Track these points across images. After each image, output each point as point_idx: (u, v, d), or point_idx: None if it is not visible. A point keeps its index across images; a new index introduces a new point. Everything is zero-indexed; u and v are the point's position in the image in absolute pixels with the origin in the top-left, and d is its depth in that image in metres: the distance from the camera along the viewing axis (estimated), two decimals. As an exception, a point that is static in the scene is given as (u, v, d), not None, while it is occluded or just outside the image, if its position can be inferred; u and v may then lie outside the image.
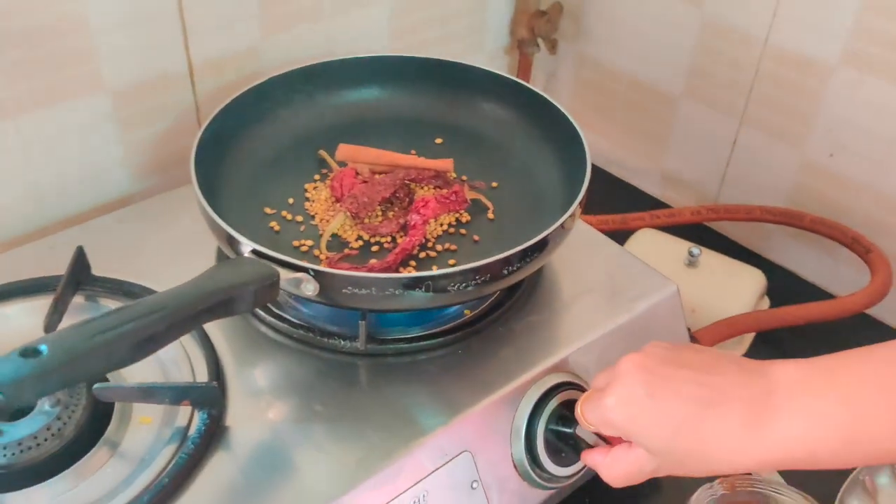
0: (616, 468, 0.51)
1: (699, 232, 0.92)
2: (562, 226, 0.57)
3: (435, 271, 0.53)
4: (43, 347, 0.39)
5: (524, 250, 0.55)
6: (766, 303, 0.84)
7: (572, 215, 0.58)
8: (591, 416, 0.51)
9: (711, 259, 0.84)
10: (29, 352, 0.39)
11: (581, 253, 0.67)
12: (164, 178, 0.76)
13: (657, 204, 0.99)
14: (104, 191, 0.73)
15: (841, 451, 0.44)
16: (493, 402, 0.55)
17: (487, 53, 0.98)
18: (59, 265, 0.60)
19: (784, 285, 0.86)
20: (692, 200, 0.97)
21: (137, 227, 0.68)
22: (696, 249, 0.83)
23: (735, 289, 0.82)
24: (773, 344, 0.81)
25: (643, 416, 0.47)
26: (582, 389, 0.58)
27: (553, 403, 0.56)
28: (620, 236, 0.80)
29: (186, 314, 0.45)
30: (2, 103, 0.63)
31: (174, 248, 0.66)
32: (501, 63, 1.01)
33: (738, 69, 0.86)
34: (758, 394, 0.45)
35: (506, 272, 0.55)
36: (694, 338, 0.68)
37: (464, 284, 0.54)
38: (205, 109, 0.75)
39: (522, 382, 0.57)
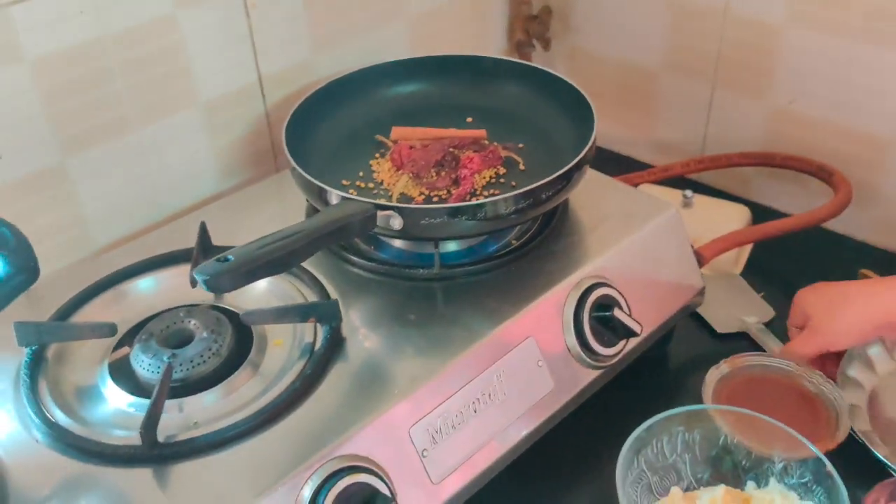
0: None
1: (688, 184, 1.08)
2: (582, 158, 0.73)
3: (492, 197, 0.68)
4: (230, 256, 0.55)
5: (556, 178, 0.71)
6: (752, 231, 0.99)
7: (591, 148, 0.74)
8: (809, 347, 0.77)
9: (703, 200, 1.00)
10: (222, 259, 0.55)
11: (597, 192, 0.83)
12: (244, 175, 0.92)
13: (648, 167, 1.15)
14: (198, 189, 0.89)
15: None
16: (545, 299, 0.70)
17: (489, 54, 1.15)
18: (180, 245, 0.76)
19: (765, 219, 1.02)
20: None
21: (234, 212, 0.84)
22: (689, 192, 0.99)
23: (725, 221, 0.97)
24: (762, 264, 0.97)
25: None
26: (613, 287, 0.73)
27: (592, 298, 0.71)
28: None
29: (316, 235, 0.60)
30: (126, 118, 0.79)
31: (267, 224, 0.81)
32: (504, 63, 1.18)
33: (705, 40, 1.03)
34: None
35: (544, 197, 0.71)
36: (698, 252, 0.84)
37: (514, 208, 0.69)
38: (273, 116, 0.91)
39: (566, 285, 0.72)
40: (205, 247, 0.75)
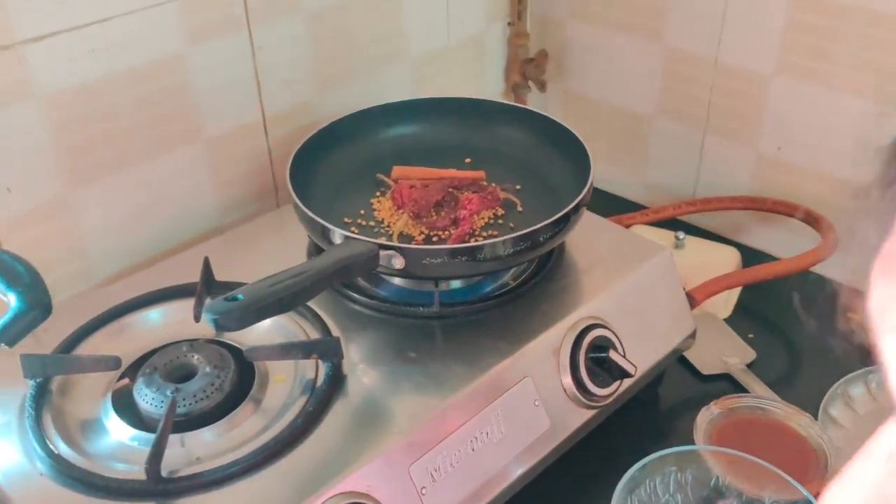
0: None
1: (680, 226, 1.10)
2: (579, 202, 0.75)
3: (492, 239, 0.70)
4: (240, 296, 0.56)
5: (554, 222, 0.73)
6: (742, 274, 1.02)
7: (588, 192, 0.76)
8: None
9: (694, 242, 1.03)
10: (231, 298, 0.56)
11: (592, 234, 0.85)
12: (245, 211, 0.93)
13: (641, 208, 1.18)
14: (200, 223, 0.90)
15: None
16: (542, 339, 0.72)
17: (486, 96, 1.18)
18: (181, 278, 0.77)
19: (755, 262, 1.04)
20: (672, 203, 1.15)
21: (234, 247, 0.85)
22: (681, 234, 1.01)
23: (716, 263, 1.00)
24: (750, 307, 0.99)
25: None
26: (608, 328, 0.75)
27: (588, 339, 0.73)
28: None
29: (323, 274, 0.62)
30: (132, 152, 0.81)
31: (268, 259, 0.82)
32: (500, 104, 1.21)
33: (697, 87, 1.06)
34: None
35: (542, 239, 0.72)
36: (690, 295, 0.86)
37: (513, 249, 0.71)
38: (276, 153, 0.93)
39: (563, 325, 0.73)
40: (208, 282, 0.76)
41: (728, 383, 0.89)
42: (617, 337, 0.75)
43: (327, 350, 0.68)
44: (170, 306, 0.76)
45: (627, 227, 1.05)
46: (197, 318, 0.72)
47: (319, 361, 0.69)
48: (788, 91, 0.98)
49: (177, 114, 0.83)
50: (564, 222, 0.74)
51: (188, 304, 0.74)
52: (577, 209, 0.75)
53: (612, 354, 0.72)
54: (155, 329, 0.74)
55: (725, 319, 0.98)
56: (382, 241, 0.69)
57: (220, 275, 0.78)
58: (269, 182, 0.94)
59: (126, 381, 0.69)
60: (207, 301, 0.56)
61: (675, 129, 1.11)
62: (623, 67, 1.13)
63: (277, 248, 0.85)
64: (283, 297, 0.58)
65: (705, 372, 0.90)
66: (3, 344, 0.54)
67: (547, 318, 0.74)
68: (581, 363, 0.72)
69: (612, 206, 1.18)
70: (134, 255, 0.85)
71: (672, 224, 1.07)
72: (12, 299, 0.54)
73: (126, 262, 0.85)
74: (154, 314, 0.75)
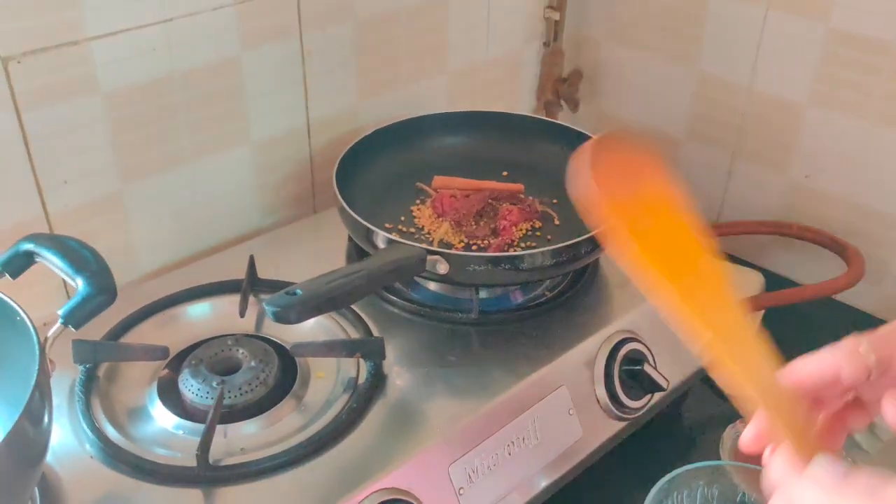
0: None
1: (707, 246, 1.12)
2: (618, 220, 0.77)
3: (534, 250, 0.72)
4: (298, 290, 0.58)
5: (594, 236, 0.74)
6: (767, 297, 1.03)
7: (624, 213, 0.78)
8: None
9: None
10: (291, 292, 0.58)
11: (625, 251, 0.86)
12: (283, 214, 0.95)
13: (668, 230, 1.20)
14: (241, 224, 0.92)
15: None
16: (577, 351, 0.74)
17: (522, 109, 1.20)
18: (223, 275, 0.79)
19: (778, 287, 1.06)
20: (698, 224, 1.17)
21: (274, 249, 0.87)
22: (708, 256, 1.02)
23: (740, 287, 1.01)
24: (771, 331, 1.00)
25: None
26: (642, 342, 0.76)
27: (622, 352, 0.75)
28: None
29: (375, 274, 0.64)
30: (183, 151, 0.83)
31: (306, 261, 0.85)
32: (532, 121, 1.23)
33: (729, 113, 1.08)
34: None
35: (583, 252, 0.74)
36: (717, 313, 0.87)
37: (554, 261, 0.73)
38: (317, 159, 0.95)
39: (598, 338, 0.75)
40: (253, 279, 0.78)
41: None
42: (650, 351, 0.77)
43: (371, 349, 0.70)
44: (214, 301, 0.77)
45: (655, 246, 1.07)
46: (242, 314, 0.74)
47: (361, 360, 0.70)
48: (821, 121, 1.00)
49: (227, 116, 0.85)
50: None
51: (232, 300, 0.76)
52: (615, 225, 0.77)
53: (646, 368, 0.74)
54: (200, 322, 0.76)
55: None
56: (427, 246, 0.71)
57: (262, 274, 0.80)
58: (309, 187, 0.96)
59: (169, 371, 0.71)
60: (266, 297, 0.58)
61: (705, 152, 1.13)
62: (656, 90, 1.15)
63: (316, 251, 0.87)
64: (338, 294, 0.60)
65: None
66: (70, 326, 0.55)
67: (582, 329, 0.76)
68: (615, 375, 0.74)
69: (639, 225, 1.19)
70: (177, 251, 0.87)
71: (699, 246, 1.09)
72: (80, 283, 0.55)
73: (169, 257, 0.87)
74: (199, 308, 0.77)
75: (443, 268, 0.71)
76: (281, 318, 0.57)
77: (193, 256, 0.88)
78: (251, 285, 0.78)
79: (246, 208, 0.92)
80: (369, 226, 0.74)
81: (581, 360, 0.74)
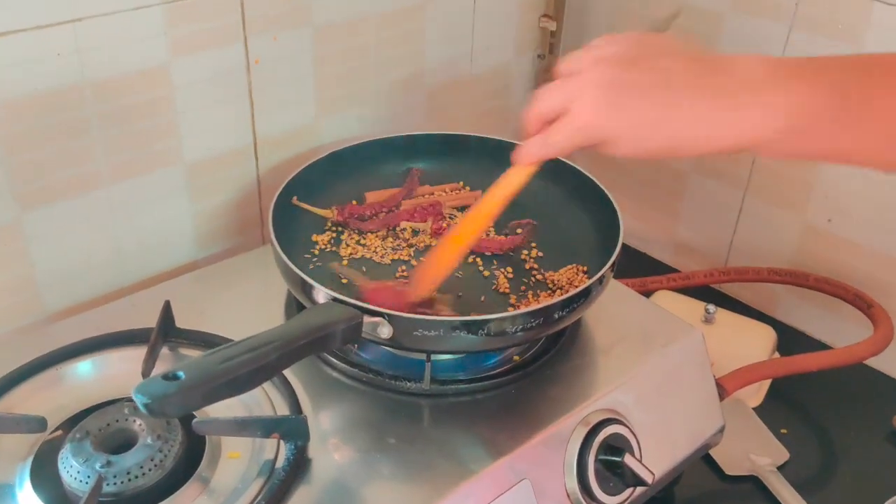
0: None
1: (711, 295, 1.00)
2: (601, 277, 0.64)
3: (496, 314, 0.60)
4: (180, 373, 0.46)
5: (571, 298, 0.62)
6: (777, 357, 0.90)
7: (612, 266, 0.66)
8: (557, 136, 0.52)
9: (726, 317, 0.92)
10: (170, 376, 0.45)
11: (614, 306, 0.74)
12: (226, 244, 0.83)
13: (668, 269, 1.07)
14: (175, 256, 0.80)
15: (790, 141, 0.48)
16: (546, 435, 0.61)
17: (511, 131, 1.08)
18: (141, 320, 0.67)
19: (792, 343, 0.93)
20: (702, 267, 1.04)
21: (208, 287, 0.75)
22: (711, 307, 0.90)
23: (749, 344, 0.89)
24: (784, 395, 0.88)
25: (613, 124, 0.50)
26: (625, 425, 0.64)
27: (600, 437, 0.62)
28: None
29: (292, 347, 0.51)
30: (99, 173, 0.71)
31: (243, 305, 0.73)
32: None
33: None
34: (724, 83, 0.49)
35: (556, 317, 0.62)
36: (720, 384, 0.75)
37: (520, 327, 0.60)
38: (265, 182, 0.83)
39: (571, 419, 0.62)
40: (166, 329, 0.66)
41: (754, 486, 0.77)
42: (634, 435, 0.64)
43: (291, 430, 0.57)
44: (118, 355, 0.65)
45: (651, 292, 0.95)
46: (145, 374, 0.62)
47: (281, 441, 0.58)
48: (846, 158, 0.87)
49: (154, 132, 0.73)
50: (584, 297, 0.63)
51: (140, 355, 0.64)
52: (601, 281, 0.65)
53: (628, 459, 0.61)
54: (97, 381, 0.64)
55: (755, 409, 0.86)
56: (369, 306, 0.59)
57: (186, 320, 0.68)
58: (255, 214, 0.84)
59: (56, 442, 0.59)
60: (140, 381, 0.45)
61: (713, 187, 1.00)
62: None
63: (258, 290, 0.75)
64: (238, 376, 0.47)
65: (729, 472, 0.78)
66: None
67: (555, 406, 0.63)
68: (590, 465, 0.61)
69: (635, 264, 1.07)
70: (93, 289, 0.75)
71: (702, 292, 0.96)
72: None
73: (82, 295, 0.75)
74: (98, 363, 0.65)
75: (385, 331, 0.59)
76: (154, 411, 0.45)
77: (115, 294, 0.76)
78: (165, 336, 0.66)
79: (178, 238, 0.80)
80: (305, 277, 0.62)
81: (550, 446, 0.61)
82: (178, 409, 0.45)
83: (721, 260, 1.03)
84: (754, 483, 0.78)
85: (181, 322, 0.68)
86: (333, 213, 0.75)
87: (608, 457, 0.62)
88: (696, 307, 0.91)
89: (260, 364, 0.49)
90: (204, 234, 0.81)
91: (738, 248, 1.01)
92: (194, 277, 0.76)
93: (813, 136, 0.49)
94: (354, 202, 0.78)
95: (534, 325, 0.61)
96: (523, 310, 0.60)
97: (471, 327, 0.59)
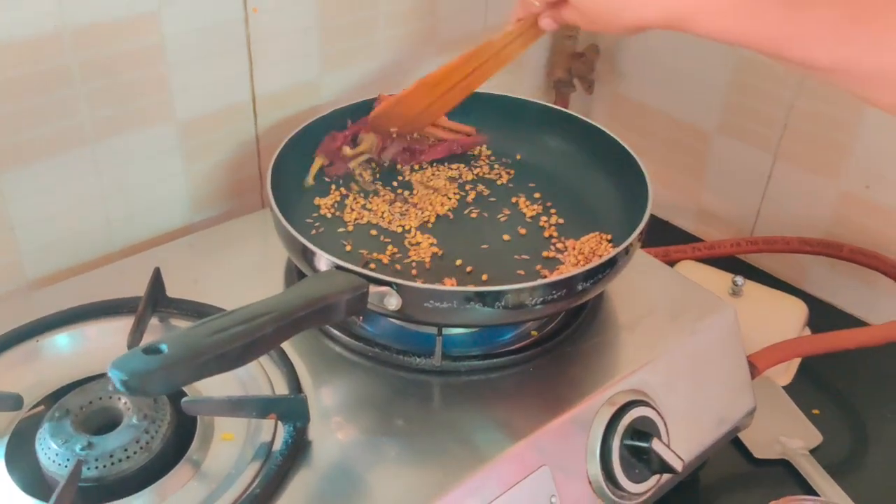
0: None
1: (738, 265, 0.94)
2: (628, 247, 0.59)
3: (514, 285, 0.54)
4: (163, 346, 0.41)
5: (595, 268, 0.57)
6: (807, 333, 0.85)
7: (640, 235, 0.60)
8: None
9: (754, 290, 0.86)
10: (151, 349, 0.40)
11: (639, 278, 0.68)
12: (222, 208, 0.78)
13: (691, 238, 1.01)
14: (167, 219, 0.75)
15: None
16: (567, 418, 0.56)
17: (525, 92, 1.01)
18: (129, 288, 0.62)
19: (823, 317, 0.88)
20: (727, 236, 0.99)
21: (202, 253, 0.70)
22: (739, 279, 0.84)
23: (778, 318, 0.83)
24: (814, 373, 0.83)
25: None
26: (652, 407, 0.59)
27: (626, 420, 0.57)
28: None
29: (290, 319, 0.46)
30: (82, 129, 0.65)
31: (240, 273, 0.68)
32: (537, 103, 1.04)
33: (773, 105, 0.89)
34: None
35: (580, 288, 0.56)
36: (751, 362, 0.69)
37: (541, 299, 0.55)
38: (265, 141, 0.77)
39: (594, 400, 0.57)
40: (155, 298, 0.61)
41: (785, 471, 0.72)
42: (662, 418, 0.59)
43: (289, 411, 0.52)
44: (103, 326, 0.60)
45: (675, 262, 0.89)
46: (131, 348, 0.57)
47: (279, 423, 0.53)
48: (886, 122, 0.81)
49: (142, 86, 0.67)
50: (610, 267, 0.58)
51: (128, 325, 0.59)
52: (627, 251, 0.59)
53: (656, 444, 0.56)
54: (79, 355, 0.59)
55: (785, 387, 0.81)
56: (378, 275, 0.53)
57: (178, 288, 0.63)
58: (255, 175, 0.79)
59: (28, 423, 0.54)
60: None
61: (740, 150, 0.94)
62: (686, 73, 0.96)
63: (256, 257, 0.70)
64: (228, 350, 0.42)
65: (758, 455, 0.73)
66: None
67: (578, 387, 0.58)
68: (614, 451, 0.57)
69: (656, 233, 1.01)
70: (79, 255, 0.70)
71: (728, 263, 0.91)
72: None
73: (66, 262, 0.70)
74: (81, 335, 0.60)
75: (394, 302, 0.54)
76: (134, 389, 0.40)
77: (102, 260, 0.71)
78: (154, 306, 0.61)
79: (171, 201, 0.74)
80: (305, 242, 0.57)
81: (571, 430, 0.56)
82: (161, 386, 0.40)
83: (747, 228, 0.97)
84: (785, 467, 0.73)
85: (173, 291, 0.63)
86: (323, 159, 0.70)
87: (634, 442, 0.57)
88: (723, 279, 0.86)
89: (254, 337, 0.44)
90: (199, 197, 0.76)
91: (766, 216, 0.95)
92: (188, 243, 0.71)
93: (758, 13, 0.46)
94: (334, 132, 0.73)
95: (555, 296, 0.55)
96: (543, 280, 0.54)
97: (486, 299, 0.54)
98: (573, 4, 0.56)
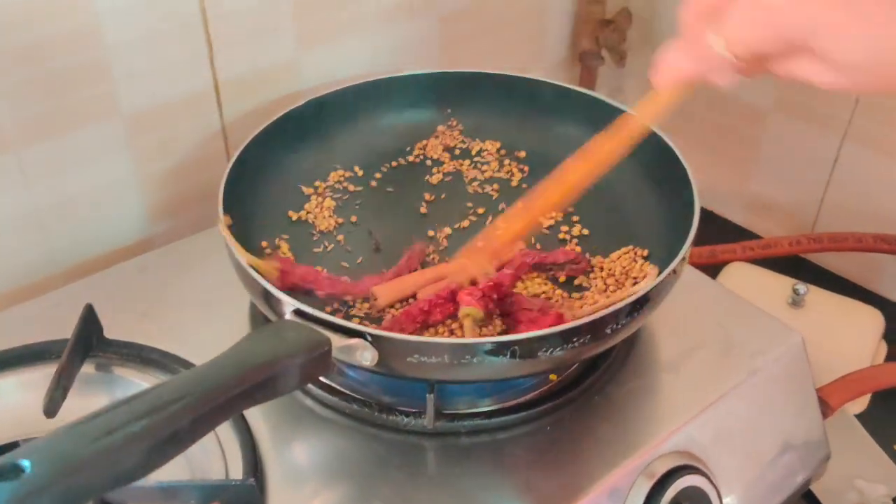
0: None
1: (797, 266, 0.81)
2: (673, 271, 0.46)
3: (524, 334, 0.42)
4: (25, 462, 0.29)
5: (632, 304, 0.44)
6: (884, 348, 0.72)
7: (683, 258, 0.48)
8: (735, 30, 0.35)
9: (819, 297, 0.73)
10: (7, 469, 0.29)
11: (681, 298, 0.56)
12: (186, 217, 0.66)
13: (742, 233, 0.88)
14: (118, 234, 0.63)
15: None
16: (594, 496, 0.44)
17: (546, 67, 0.88)
18: (66, 327, 0.50)
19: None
20: (783, 228, 0.85)
21: (159, 277, 0.58)
22: (801, 287, 0.71)
23: (849, 332, 0.70)
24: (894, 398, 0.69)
25: (829, 13, 0.32)
26: (703, 474, 0.47)
27: (669, 494, 0.45)
28: (707, 272, 0.69)
29: (217, 402, 0.34)
30: (3, 132, 0.54)
31: (204, 301, 0.56)
32: (561, 78, 0.90)
33: (843, 77, 0.75)
34: None
35: (609, 331, 0.44)
36: (822, 400, 0.57)
37: (558, 348, 0.43)
38: (233, 136, 0.66)
39: (629, 469, 0.45)
40: (88, 341, 0.50)
41: (862, 523, 0.60)
42: (716, 488, 0.47)
43: (237, 499, 0.41)
44: (19, 379, 0.49)
45: (722, 264, 0.76)
46: (50, 410, 0.46)
47: (226, 511, 0.42)
48: None
49: (75, 75, 0.56)
50: (646, 301, 0.45)
51: (46, 377, 0.48)
52: (669, 280, 0.46)
53: None
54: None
55: (858, 416, 0.68)
56: (347, 323, 0.41)
57: (122, 326, 0.52)
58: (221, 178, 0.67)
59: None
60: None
61: (801, 130, 0.80)
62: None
63: (221, 282, 0.57)
64: (121, 459, 0.31)
65: (830, 506, 0.61)
66: None
67: (606, 450, 0.46)
68: (656, 536, 0.45)
69: (699, 227, 0.88)
70: (13, 278, 0.59)
71: (786, 264, 0.77)
72: None
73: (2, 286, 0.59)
74: (-6, 390, 0.49)
75: (368, 357, 0.42)
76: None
77: (34, 288, 0.60)
78: (84, 352, 0.49)
79: (122, 212, 0.63)
80: (267, 286, 0.44)
81: (600, 509, 0.44)
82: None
83: (807, 221, 0.84)
84: (861, 518, 0.60)
85: (118, 328, 0.52)
86: (274, 271, 0.50)
87: (681, 525, 0.45)
88: (781, 285, 0.73)
89: (162, 436, 0.32)
90: (156, 206, 0.64)
91: (830, 208, 0.81)
92: (139, 265, 0.59)
93: None
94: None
95: (577, 343, 0.43)
96: (562, 326, 0.42)
97: (490, 351, 0.42)
98: (826, 55, 0.34)
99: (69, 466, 0.30)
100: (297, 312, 0.42)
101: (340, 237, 0.56)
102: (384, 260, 0.54)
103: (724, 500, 0.48)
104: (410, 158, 0.63)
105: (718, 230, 0.88)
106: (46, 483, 0.29)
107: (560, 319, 0.44)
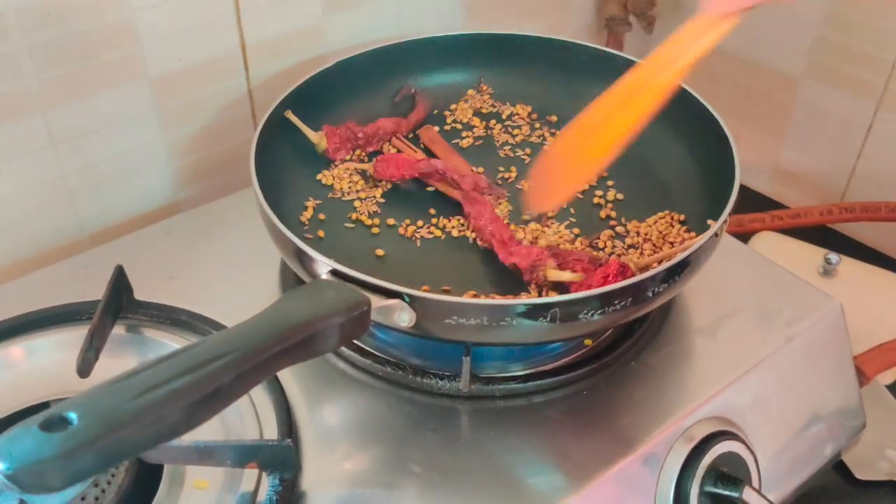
0: None
1: (828, 237, 0.79)
2: (715, 234, 0.45)
3: (565, 296, 0.41)
4: (72, 415, 0.29)
5: (672, 268, 0.43)
6: (917, 319, 0.71)
7: (725, 220, 0.47)
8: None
9: (852, 268, 0.72)
10: (54, 422, 0.28)
11: (717, 265, 0.55)
12: (213, 181, 0.66)
13: (768, 203, 0.87)
14: (145, 198, 0.63)
15: None
16: (631, 460, 0.44)
17: (571, 33, 0.87)
18: (95, 288, 0.50)
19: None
20: (812, 199, 0.84)
21: (186, 240, 0.58)
22: (833, 256, 0.70)
23: (881, 302, 0.69)
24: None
25: None
26: (741, 440, 0.46)
27: (707, 460, 0.45)
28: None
29: (258, 360, 0.34)
30: (29, 94, 0.53)
31: (231, 264, 0.56)
32: (587, 45, 0.89)
33: (877, 43, 0.73)
34: None
35: (650, 294, 0.43)
36: (858, 368, 0.56)
37: (598, 311, 0.42)
38: (260, 99, 0.65)
39: (667, 434, 0.45)
40: (118, 303, 0.49)
41: (894, 493, 0.60)
42: (753, 454, 0.46)
43: (273, 460, 0.41)
44: (52, 339, 0.49)
45: (750, 234, 0.75)
46: (83, 370, 0.46)
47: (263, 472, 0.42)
48: None
49: (101, 37, 0.55)
50: (686, 265, 0.45)
51: (80, 337, 0.48)
52: (711, 244, 0.46)
53: (748, 494, 0.43)
54: (20, 377, 0.48)
55: (889, 387, 0.68)
56: (386, 284, 0.41)
57: (155, 284, 0.52)
58: (249, 142, 0.66)
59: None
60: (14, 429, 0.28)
61: (834, 98, 0.79)
62: (768, 5, 0.80)
63: (249, 246, 0.57)
64: (164, 415, 0.30)
65: (861, 476, 0.60)
66: None
67: (643, 415, 0.46)
68: (692, 501, 0.44)
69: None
70: (34, 244, 0.59)
71: (817, 234, 0.76)
72: None
73: (25, 250, 0.58)
74: (22, 351, 0.48)
75: (405, 318, 0.41)
76: (27, 486, 0.28)
77: (63, 250, 0.60)
78: (115, 313, 0.49)
79: (149, 175, 0.62)
80: (298, 243, 0.44)
81: (637, 474, 0.44)
82: (66, 479, 0.28)
83: (837, 190, 0.82)
84: (894, 489, 0.60)
85: (148, 290, 0.52)
86: (322, 140, 0.57)
87: (719, 489, 0.44)
88: (812, 256, 0.72)
89: (204, 392, 0.32)
90: (183, 170, 0.63)
91: (862, 176, 0.80)
92: (165, 228, 0.59)
93: None
94: (353, 122, 0.59)
95: (619, 306, 0.42)
96: (602, 288, 0.41)
97: (528, 312, 0.41)
98: None
99: (115, 421, 0.29)
100: (333, 272, 0.42)
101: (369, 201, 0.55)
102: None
103: (761, 466, 0.47)
104: (440, 122, 0.62)
105: (743, 200, 0.87)
106: (93, 437, 0.29)
107: (625, 269, 0.44)
